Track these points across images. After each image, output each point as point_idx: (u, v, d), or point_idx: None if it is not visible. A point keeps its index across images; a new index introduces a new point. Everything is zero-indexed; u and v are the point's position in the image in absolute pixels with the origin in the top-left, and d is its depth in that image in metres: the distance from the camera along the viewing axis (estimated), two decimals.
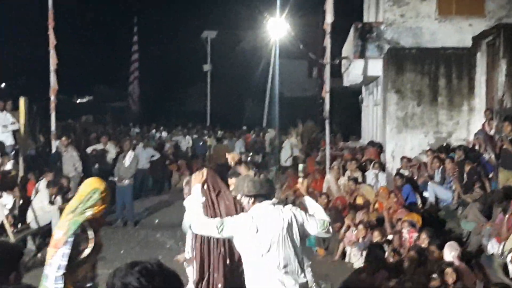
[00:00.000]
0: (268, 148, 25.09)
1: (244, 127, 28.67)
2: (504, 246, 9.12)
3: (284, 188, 18.04)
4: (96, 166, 17.93)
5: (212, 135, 26.92)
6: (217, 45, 34.06)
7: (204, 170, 6.39)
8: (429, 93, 15.66)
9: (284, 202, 17.05)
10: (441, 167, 13.34)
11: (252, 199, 5.62)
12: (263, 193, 5.63)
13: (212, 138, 25.82)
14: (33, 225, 12.87)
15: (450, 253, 8.86)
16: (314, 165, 18.29)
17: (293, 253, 5.53)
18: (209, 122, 31.79)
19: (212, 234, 5.80)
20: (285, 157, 21.36)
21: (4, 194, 12.48)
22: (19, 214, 12.92)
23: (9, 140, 15.58)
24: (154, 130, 27.17)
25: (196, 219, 5.83)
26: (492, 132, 13.36)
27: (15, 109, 15.63)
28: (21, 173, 14.61)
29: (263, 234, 5.44)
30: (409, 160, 14.77)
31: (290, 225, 5.50)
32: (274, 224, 5.46)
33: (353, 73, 19.30)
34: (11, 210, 12.49)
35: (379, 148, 16.63)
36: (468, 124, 15.51)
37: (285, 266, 5.45)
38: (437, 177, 13.32)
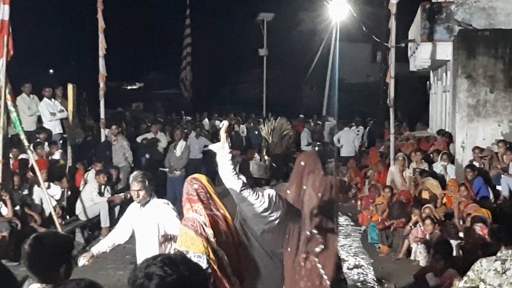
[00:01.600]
0: (328, 137, 24.90)
1: (302, 116, 28.49)
2: None
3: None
4: (147, 156, 18.10)
5: (267, 122, 26.76)
6: (273, 29, 33.80)
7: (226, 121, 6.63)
8: (504, 78, 15.25)
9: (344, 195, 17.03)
10: None
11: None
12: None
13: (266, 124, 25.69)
14: (82, 217, 13.11)
15: None
16: (377, 156, 18.15)
17: None
18: (265, 110, 31.73)
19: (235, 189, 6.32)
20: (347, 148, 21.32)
21: (52, 185, 12.71)
22: (67, 206, 13.16)
23: (57, 129, 15.85)
24: (207, 119, 27.20)
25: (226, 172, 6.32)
26: None
27: (63, 96, 15.90)
28: (69, 163, 14.85)
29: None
30: (481, 151, 14.47)
31: None
32: None
33: (420, 57, 19.02)
34: (59, 201, 12.73)
35: (448, 138, 16.37)
36: None
37: None
38: (511, 170, 13.07)
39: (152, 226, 6.79)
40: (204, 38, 37.09)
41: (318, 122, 27.49)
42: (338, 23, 27.40)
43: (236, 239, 6.16)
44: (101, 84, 16.05)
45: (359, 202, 15.76)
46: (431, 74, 21.58)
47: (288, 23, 36.72)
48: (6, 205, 11.25)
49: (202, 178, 6.30)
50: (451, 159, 15.22)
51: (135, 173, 7.37)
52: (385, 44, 17.73)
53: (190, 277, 2.84)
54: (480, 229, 10.26)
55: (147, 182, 6.84)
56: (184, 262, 2.93)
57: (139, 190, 6.77)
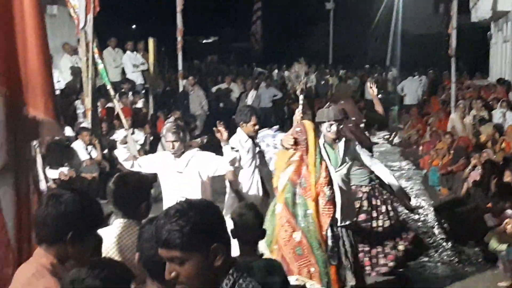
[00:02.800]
0: (391, 87, 24.70)
1: (367, 66, 28.26)
2: None
3: (408, 127, 17.87)
4: (221, 104, 18.33)
5: (334, 74, 26.73)
6: None
7: None
8: None
9: (407, 141, 16.96)
10: None
11: None
12: None
13: (335, 77, 25.68)
14: None
15: None
16: (439, 104, 17.98)
17: None
18: (331, 61, 31.56)
19: None
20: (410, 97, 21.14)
21: (136, 131, 13.03)
22: (149, 149, 13.49)
23: (139, 79, 16.20)
24: (276, 70, 27.23)
25: None
26: None
27: (145, 49, 16.18)
28: (151, 111, 15.19)
29: None
30: None
31: None
32: None
33: (481, 8, 18.60)
34: (142, 145, 13.04)
35: (507, 86, 16.07)
36: None
37: None
38: None
39: (191, 176, 6.29)
40: None
41: (382, 72, 27.30)
42: None
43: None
44: (179, 38, 16.22)
45: (420, 148, 15.67)
46: (492, 25, 21.04)
47: None
48: (96, 148, 11.62)
49: (308, 124, 6.15)
50: (510, 106, 14.96)
51: (168, 124, 7.23)
52: None
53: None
54: None
55: (181, 133, 6.38)
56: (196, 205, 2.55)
57: (174, 141, 6.26)
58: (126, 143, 7.24)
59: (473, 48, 21.98)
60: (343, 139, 6.54)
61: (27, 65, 2.78)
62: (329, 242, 5.74)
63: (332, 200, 5.85)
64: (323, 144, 6.34)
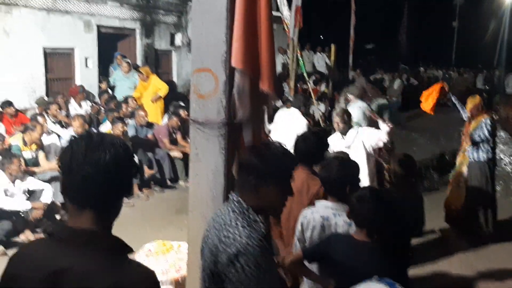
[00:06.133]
0: (496, 81, 22.52)
1: (479, 66, 25.87)
2: None
3: (507, 109, 16.21)
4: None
5: (455, 70, 24.89)
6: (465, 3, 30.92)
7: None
8: None
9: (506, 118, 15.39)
10: None
11: None
12: None
13: (455, 72, 23.94)
14: None
15: None
16: None
17: None
18: (454, 62, 29.31)
19: None
20: None
21: (321, 103, 12.98)
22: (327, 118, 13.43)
23: (325, 71, 16.15)
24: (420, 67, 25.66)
25: None
26: None
27: (328, 51, 16.05)
28: (330, 91, 15.08)
29: None
30: None
31: None
32: None
33: None
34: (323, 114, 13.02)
35: None
36: None
37: None
38: None
39: (358, 149, 5.36)
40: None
41: (490, 70, 25.00)
42: None
43: None
44: (351, 44, 15.89)
45: None
46: None
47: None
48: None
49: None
50: None
51: (335, 111, 6.52)
52: None
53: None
54: None
55: (345, 117, 5.46)
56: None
57: (338, 122, 5.45)
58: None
59: None
60: None
61: (262, 58, 2.88)
62: None
63: None
64: None
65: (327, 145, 3.70)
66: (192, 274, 2.69)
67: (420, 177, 8.76)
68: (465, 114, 6.48)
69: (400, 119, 15.18)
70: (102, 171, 1.38)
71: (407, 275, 3.42)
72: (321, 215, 2.88)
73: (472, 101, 6.30)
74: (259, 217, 1.98)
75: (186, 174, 8.12)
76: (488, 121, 6.08)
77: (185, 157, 8.15)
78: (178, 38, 13.22)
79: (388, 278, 1.98)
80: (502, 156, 11.27)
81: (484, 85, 20.44)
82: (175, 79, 13.26)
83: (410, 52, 32.21)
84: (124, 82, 10.54)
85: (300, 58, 11.07)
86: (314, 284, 2.91)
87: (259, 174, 1.99)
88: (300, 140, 3.51)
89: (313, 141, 3.48)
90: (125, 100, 9.53)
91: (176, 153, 8.55)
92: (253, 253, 1.79)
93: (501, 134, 14.05)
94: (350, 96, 7.63)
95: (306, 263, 2.85)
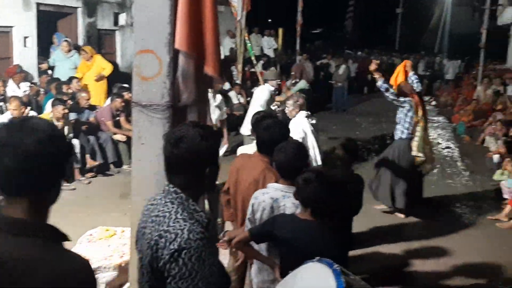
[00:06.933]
0: (437, 67, 23.46)
1: (423, 52, 26.85)
2: None
3: (446, 95, 16.95)
4: (322, 73, 18.00)
5: (398, 56, 25.64)
6: None
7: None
8: None
9: (444, 104, 16.07)
10: None
11: None
12: None
13: (399, 58, 24.65)
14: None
15: None
16: (469, 80, 16.98)
17: None
18: (397, 48, 30.27)
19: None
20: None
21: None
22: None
23: (271, 54, 16.23)
24: (359, 52, 26.24)
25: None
26: None
27: (276, 35, 16.12)
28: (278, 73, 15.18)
29: None
30: None
31: None
32: None
33: (505, 16, 17.32)
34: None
35: None
36: None
37: None
38: None
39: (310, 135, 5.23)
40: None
41: (431, 56, 25.98)
42: None
43: None
44: (298, 29, 15.99)
45: (454, 109, 14.93)
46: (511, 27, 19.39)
47: None
48: (242, 96, 11.78)
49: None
50: None
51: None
52: (482, 7, 16.13)
53: None
54: None
55: (299, 101, 5.36)
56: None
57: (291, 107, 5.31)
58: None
59: (497, 43, 20.29)
60: None
61: (207, 41, 2.85)
62: None
63: None
64: None
65: (289, 133, 3.58)
66: (136, 259, 2.66)
67: (362, 160, 9.03)
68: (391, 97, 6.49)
69: (345, 104, 15.55)
70: (23, 158, 1.31)
71: (347, 254, 3.55)
72: (271, 197, 2.93)
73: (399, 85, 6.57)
74: (198, 206, 1.93)
75: (130, 157, 7.96)
76: (407, 104, 6.27)
77: (129, 141, 7.98)
78: (122, 18, 12.82)
79: (328, 258, 2.04)
80: (440, 140, 11.79)
81: (425, 71, 21.19)
82: (118, 60, 12.89)
83: (355, 38, 32.83)
84: (64, 62, 10.13)
85: (248, 42, 11.04)
86: (263, 264, 2.96)
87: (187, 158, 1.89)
88: (262, 128, 3.35)
89: (276, 129, 3.31)
90: (69, 81, 9.18)
91: (119, 136, 8.34)
92: (196, 248, 1.74)
93: (440, 119, 14.70)
94: (273, 82, 7.26)
95: (254, 243, 2.88)
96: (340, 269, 1.88)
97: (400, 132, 6.38)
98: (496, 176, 7.69)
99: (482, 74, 15.05)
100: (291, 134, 3.62)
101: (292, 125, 4.93)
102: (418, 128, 6.25)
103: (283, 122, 3.50)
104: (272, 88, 7.12)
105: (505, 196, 7.29)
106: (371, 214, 6.50)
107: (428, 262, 5.32)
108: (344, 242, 3.41)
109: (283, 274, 2.59)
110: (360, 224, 4.80)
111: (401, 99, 6.26)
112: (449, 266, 5.23)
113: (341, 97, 15.29)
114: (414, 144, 6.27)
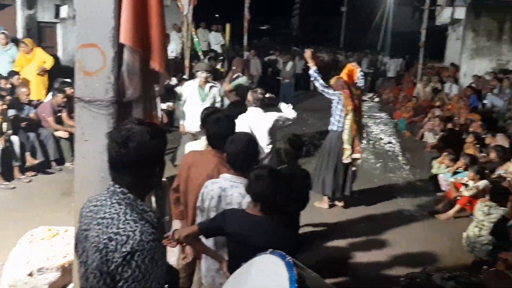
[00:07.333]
0: (379, 65, 24.17)
1: (367, 50, 27.62)
2: None
3: (388, 92, 17.50)
4: (270, 69, 18.15)
5: (342, 53, 26.27)
6: None
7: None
8: (497, 33, 14.29)
9: (386, 100, 16.60)
10: (499, 84, 12.38)
11: None
12: None
13: (343, 56, 25.22)
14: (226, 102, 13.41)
15: (501, 139, 8.43)
16: (410, 77, 17.60)
17: None
18: (342, 45, 30.90)
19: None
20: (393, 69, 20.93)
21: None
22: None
23: (219, 50, 16.15)
24: (306, 49, 26.67)
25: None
26: None
27: (223, 31, 16.05)
28: (225, 70, 15.14)
29: None
30: (478, 78, 13.76)
31: None
32: None
33: (443, 16, 18.02)
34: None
35: (456, 68, 15.59)
36: None
37: None
38: (495, 91, 12.38)
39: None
40: None
41: (374, 54, 26.72)
42: None
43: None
44: (245, 24, 16.02)
45: (396, 106, 15.46)
46: (449, 27, 20.23)
47: None
48: None
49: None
50: (456, 82, 14.62)
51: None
52: (421, 7, 16.75)
53: None
54: (470, 122, 9.95)
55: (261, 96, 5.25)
56: None
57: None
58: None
59: (435, 42, 21.18)
60: None
61: (152, 36, 2.81)
62: None
63: None
64: None
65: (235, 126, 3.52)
66: None
67: (308, 155, 9.19)
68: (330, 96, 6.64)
69: (293, 100, 15.74)
70: None
71: (296, 249, 3.60)
72: (220, 186, 2.96)
73: (333, 80, 6.75)
74: (146, 205, 1.89)
75: (73, 154, 7.72)
76: (336, 97, 6.47)
77: (72, 137, 7.73)
78: (64, 10, 12.36)
79: (280, 251, 2.07)
80: (382, 136, 12.19)
81: (368, 68, 21.79)
82: (60, 53, 12.43)
83: (301, 35, 33.30)
84: (1, 56, 9.64)
85: (195, 36, 10.93)
86: (212, 259, 2.97)
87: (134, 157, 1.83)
88: (212, 123, 3.33)
89: (226, 123, 3.31)
90: (8, 76, 8.76)
91: (61, 133, 8.06)
92: (149, 250, 1.72)
93: (382, 115, 15.19)
94: (202, 74, 7.04)
95: (203, 238, 2.89)
96: (293, 261, 1.91)
97: (331, 124, 6.59)
98: (434, 169, 8.03)
99: (422, 72, 15.65)
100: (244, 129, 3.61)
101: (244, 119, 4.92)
102: (347, 121, 6.41)
103: (231, 116, 3.49)
104: (198, 81, 7.05)
105: (443, 188, 7.66)
106: (316, 209, 6.65)
107: (371, 253, 5.50)
108: (292, 237, 3.47)
109: (231, 269, 2.61)
110: (305, 219, 4.89)
111: (330, 91, 6.44)
112: (391, 257, 5.44)
113: (289, 93, 15.46)
114: (345, 137, 6.46)
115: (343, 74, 6.80)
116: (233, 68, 8.25)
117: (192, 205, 3.29)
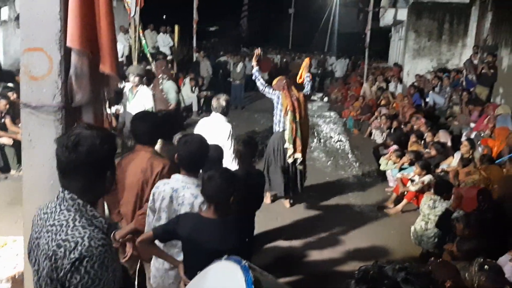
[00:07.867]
0: (327, 65, 24.62)
1: (316, 52, 28.07)
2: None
3: (336, 91, 17.87)
4: (221, 71, 18.12)
5: (291, 55, 26.50)
6: None
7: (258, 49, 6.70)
8: (437, 33, 14.90)
9: (334, 100, 16.95)
10: (439, 82, 12.92)
11: None
12: None
13: (291, 57, 25.48)
14: (182, 104, 13.30)
15: (443, 135, 8.78)
16: (356, 77, 18.02)
17: None
18: (290, 47, 31.28)
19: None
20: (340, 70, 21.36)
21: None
22: None
23: (168, 52, 15.96)
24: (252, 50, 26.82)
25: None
26: (476, 61, 12.73)
27: (172, 32, 15.88)
28: (175, 72, 14.97)
29: None
30: (420, 77, 14.30)
31: None
32: None
33: (387, 18, 18.60)
34: None
35: (400, 68, 16.13)
36: (461, 55, 14.76)
37: None
38: (437, 89, 12.92)
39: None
40: None
41: (322, 55, 27.20)
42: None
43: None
44: (194, 26, 15.97)
45: (344, 105, 15.82)
46: (393, 28, 20.93)
47: None
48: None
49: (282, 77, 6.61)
50: (400, 81, 15.11)
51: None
52: (366, 9, 17.23)
53: None
54: (415, 120, 10.28)
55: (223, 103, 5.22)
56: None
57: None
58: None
59: (380, 43, 21.86)
60: None
61: (102, 38, 2.75)
62: None
63: None
64: None
65: (165, 123, 3.65)
66: (30, 269, 2.50)
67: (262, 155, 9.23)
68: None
69: (243, 101, 15.81)
70: None
71: (251, 249, 3.63)
72: (172, 187, 2.96)
73: (275, 80, 6.81)
74: (98, 211, 1.87)
75: (18, 162, 7.42)
76: (275, 97, 6.58)
77: (16, 144, 7.43)
78: (5, 12, 11.85)
79: (232, 255, 2.08)
80: (332, 134, 12.44)
81: (316, 69, 22.17)
82: (1, 57, 11.91)
83: (251, 36, 33.43)
84: None
85: (143, 38, 10.74)
86: (166, 263, 2.95)
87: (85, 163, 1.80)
88: (138, 122, 3.39)
89: (152, 121, 3.40)
90: None
91: (5, 140, 7.73)
92: (98, 255, 1.69)
93: (331, 114, 15.52)
94: (134, 78, 7.06)
95: (158, 242, 2.86)
96: (249, 265, 1.93)
97: (274, 124, 6.70)
98: (382, 166, 8.26)
99: (367, 72, 16.08)
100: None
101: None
102: (287, 122, 6.49)
103: (157, 113, 3.55)
104: (130, 85, 7.05)
105: (391, 184, 7.91)
106: (272, 209, 6.70)
107: (324, 250, 5.60)
108: (246, 237, 3.49)
109: (187, 272, 2.60)
110: (259, 219, 4.92)
111: (270, 90, 6.53)
112: (343, 252, 5.56)
113: (239, 95, 15.51)
114: (286, 137, 6.54)
115: (302, 72, 6.90)
116: (158, 71, 8.13)
117: (133, 201, 3.30)
